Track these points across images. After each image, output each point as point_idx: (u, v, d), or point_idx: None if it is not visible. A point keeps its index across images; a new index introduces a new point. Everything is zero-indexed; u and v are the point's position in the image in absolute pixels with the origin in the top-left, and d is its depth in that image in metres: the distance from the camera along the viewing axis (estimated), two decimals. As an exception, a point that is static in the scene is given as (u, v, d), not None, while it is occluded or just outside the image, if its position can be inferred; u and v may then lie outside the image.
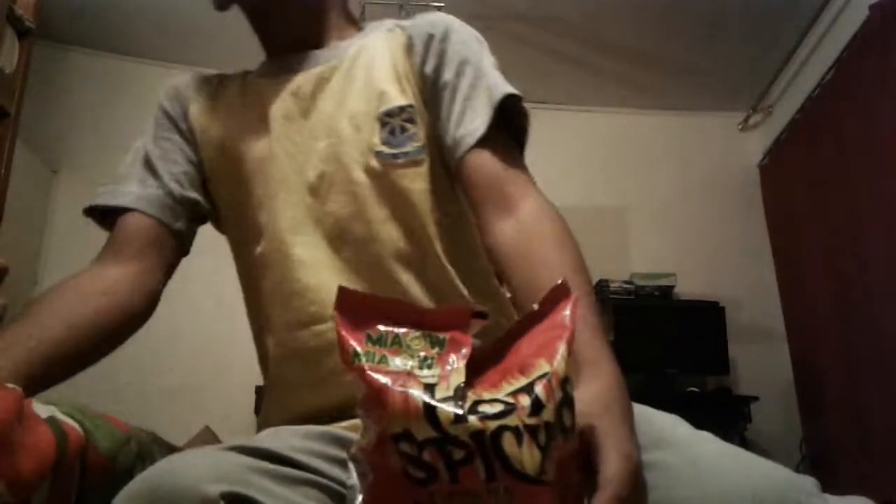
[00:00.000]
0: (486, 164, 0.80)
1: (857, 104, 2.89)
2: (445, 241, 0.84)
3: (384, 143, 0.84)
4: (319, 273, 0.82)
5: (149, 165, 0.94)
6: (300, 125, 0.88)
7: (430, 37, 0.88)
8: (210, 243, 4.02)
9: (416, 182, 0.84)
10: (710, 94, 3.83)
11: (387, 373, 0.47)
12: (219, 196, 0.95)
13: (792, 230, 3.48)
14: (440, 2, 3.10)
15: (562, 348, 0.49)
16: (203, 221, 1.01)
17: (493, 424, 0.45)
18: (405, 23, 0.93)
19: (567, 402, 0.48)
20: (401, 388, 0.46)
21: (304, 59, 0.93)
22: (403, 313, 0.52)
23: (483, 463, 0.44)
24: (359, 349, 0.49)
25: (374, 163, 0.83)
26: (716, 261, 3.57)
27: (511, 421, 0.45)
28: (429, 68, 0.87)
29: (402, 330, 0.51)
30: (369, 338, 0.50)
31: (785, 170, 3.58)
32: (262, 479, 0.54)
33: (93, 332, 0.82)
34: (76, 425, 0.73)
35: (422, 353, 0.49)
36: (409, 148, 0.84)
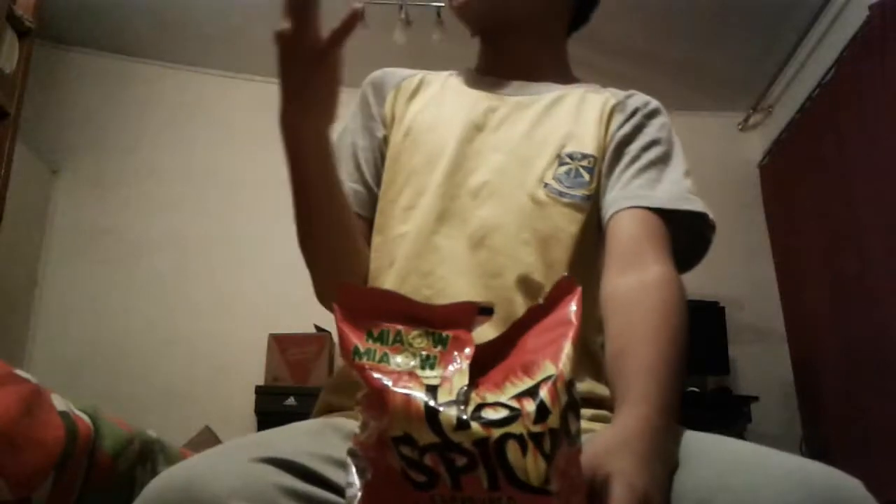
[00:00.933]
0: (634, 226, 0.83)
1: (857, 104, 2.89)
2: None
3: (556, 179, 0.88)
4: (447, 264, 0.85)
5: (356, 157, 0.98)
6: (485, 137, 0.92)
7: (637, 109, 0.94)
8: (210, 243, 4.05)
9: (571, 225, 0.86)
10: (710, 94, 3.83)
11: (388, 372, 0.46)
12: (387, 172, 0.97)
13: (792, 230, 3.47)
14: (440, 2, 3.10)
15: (567, 347, 0.48)
16: None
17: (497, 432, 0.43)
18: (619, 92, 0.98)
19: (572, 406, 0.47)
20: (402, 390, 0.44)
21: (511, 86, 0.98)
22: (406, 309, 0.51)
23: (486, 471, 0.43)
24: (360, 346, 0.48)
25: (540, 193, 0.87)
26: (716, 261, 3.54)
27: (515, 429, 0.43)
28: (622, 133, 0.91)
29: (404, 327, 0.49)
30: (370, 335, 0.49)
31: (785, 170, 3.58)
32: (292, 502, 0.54)
33: (346, 224, 0.88)
34: (88, 420, 0.73)
35: (424, 352, 0.48)
36: (577, 192, 0.88)
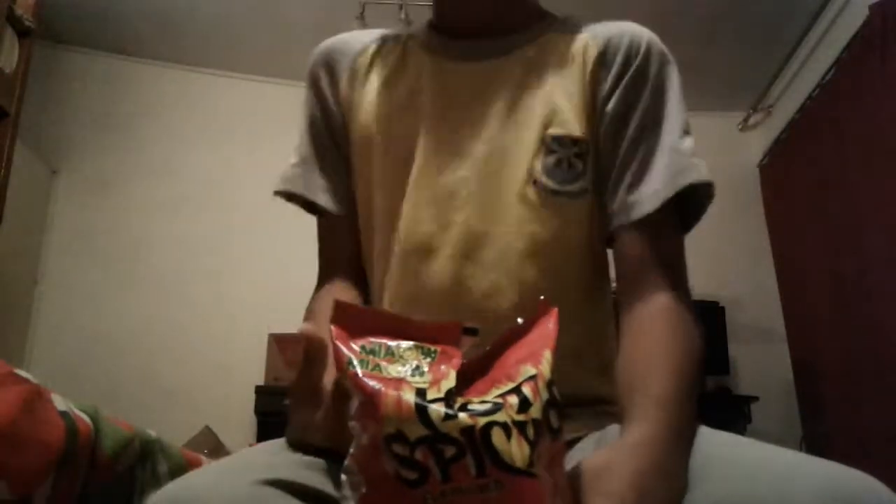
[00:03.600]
0: (639, 243, 0.76)
1: (857, 104, 2.89)
2: (579, 293, 0.78)
3: (547, 172, 0.76)
4: (428, 294, 0.75)
5: (324, 154, 0.86)
6: (456, 122, 0.79)
7: (625, 65, 0.79)
8: (211, 244, 4.05)
9: (571, 227, 0.77)
10: (710, 94, 3.83)
11: (380, 379, 0.49)
12: (358, 179, 0.86)
13: (792, 230, 3.48)
14: None
15: (547, 354, 0.51)
16: None
17: (482, 420, 0.46)
18: (598, 28, 0.82)
19: (553, 404, 0.50)
20: (394, 391, 0.47)
21: (477, 48, 0.82)
22: (397, 327, 0.54)
23: (473, 458, 0.45)
24: (353, 358, 0.50)
25: (531, 192, 0.76)
26: (716, 261, 3.56)
27: (500, 417, 0.46)
28: (612, 108, 0.78)
29: (395, 343, 0.53)
30: (363, 349, 0.52)
31: (785, 170, 3.58)
32: None
33: None
34: (88, 420, 0.73)
35: (414, 363, 0.51)
36: (573, 187, 0.76)
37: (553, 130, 0.77)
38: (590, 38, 0.81)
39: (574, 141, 0.77)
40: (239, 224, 3.63)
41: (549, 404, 0.49)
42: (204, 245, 3.59)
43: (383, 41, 0.88)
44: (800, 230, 3.39)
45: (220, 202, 3.66)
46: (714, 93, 3.83)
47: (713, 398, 3.32)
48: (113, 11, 3.42)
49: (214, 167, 3.71)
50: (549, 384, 0.50)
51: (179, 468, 1.09)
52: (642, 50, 0.80)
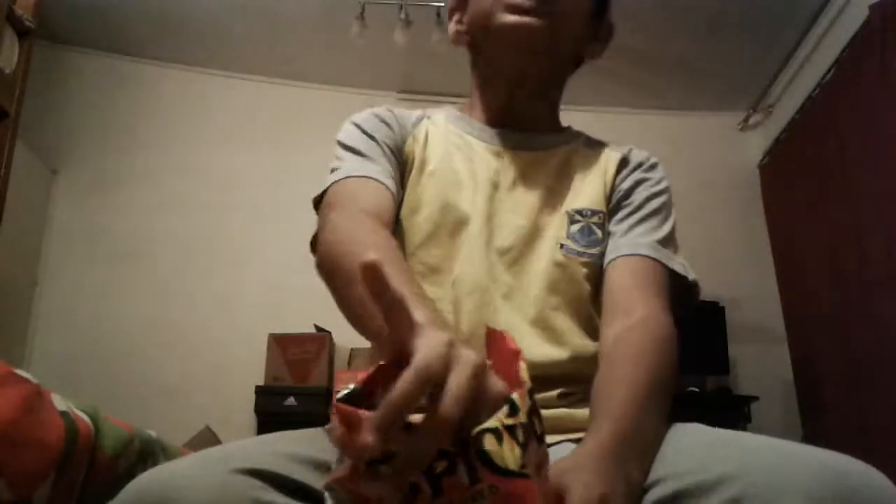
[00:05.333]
0: (627, 275, 0.86)
1: (857, 104, 2.89)
2: (590, 330, 0.88)
3: (571, 237, 0.90)
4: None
5: (390, 153, 0.94)
6: (504, 200, 0.92)
7: (639, 164, 0.97)
8: (210, 243, 4.05)
9: (590, 280, 0.89)
10: (710, 94, 3.83)
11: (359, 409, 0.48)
12: (406, 219, 0.93)
13: (792, 230, 3.48)
14: (440, 2, 3.10)
15: (521, 365, 0.51)
16: None
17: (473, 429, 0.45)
18: (619, 147, 1.00)
19: (535, 412, 0.50)
20: (371, 413, 0.46)
21: (517, 139, 0.98)
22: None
23: (466, 468, 0.45)
24: (346, 390, 0.50)
25: (559, 255, 0.89)
26: (716, 261, 3.55)
27: (490, 424, 0.46)
28: (624, 185, 0.95)
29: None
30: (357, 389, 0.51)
31: (785, 170, 3.58)
32: None
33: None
34: (88, 419, 0.73)
35: None
36: (593, 250, 0.90)
37: (576, 205, 0.93)
38: (611, 151, 0.99)
39: (593, 211, 0.92)
40: (239, 224, 3.63)
41: (532, 411, 0.49)
42: (204, 245, 3.59)
43: (425, 119, 1.01)
44: (800, 230, 3.39)
45: (220, 202, 3.66)
46: (714, 93, 3.83)
47: (713, 398, 3.32)
48: (113, 11, 3.42)
49: (214, 167, 3.71)
50: (530, 392, 0.50)
51: (179, 468, 1.09)
52: (654, 162, 0.99)
